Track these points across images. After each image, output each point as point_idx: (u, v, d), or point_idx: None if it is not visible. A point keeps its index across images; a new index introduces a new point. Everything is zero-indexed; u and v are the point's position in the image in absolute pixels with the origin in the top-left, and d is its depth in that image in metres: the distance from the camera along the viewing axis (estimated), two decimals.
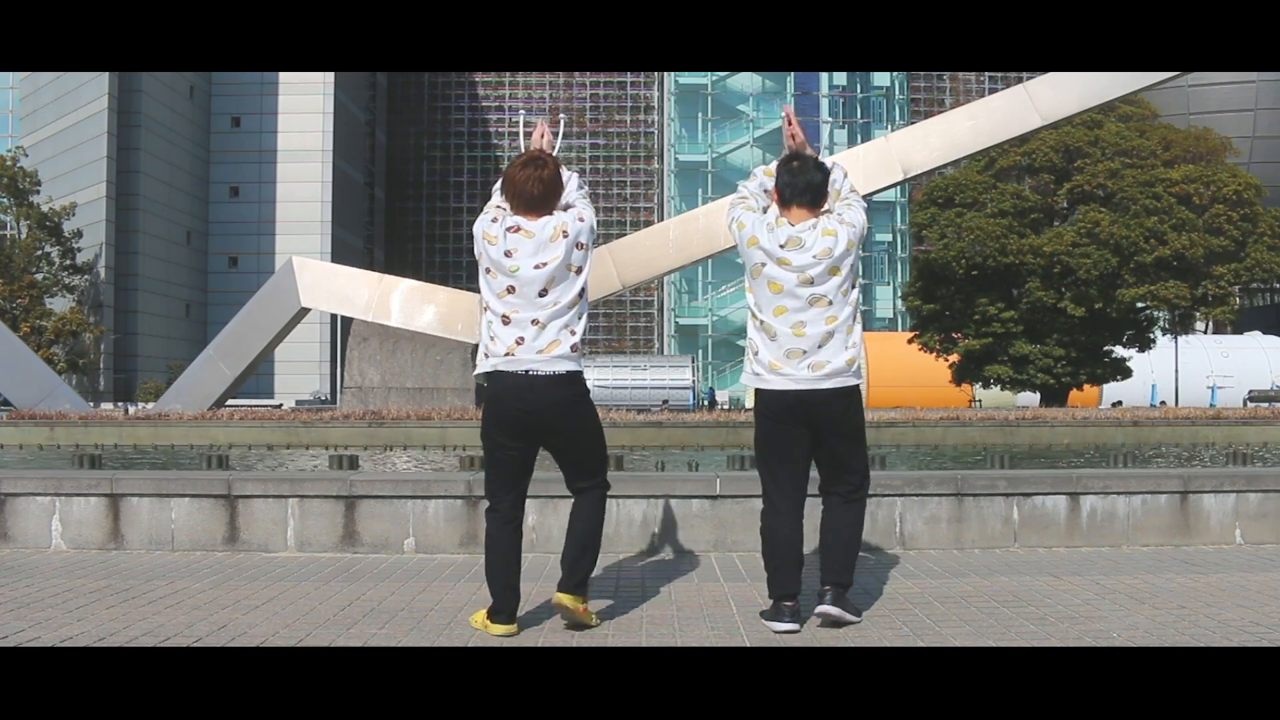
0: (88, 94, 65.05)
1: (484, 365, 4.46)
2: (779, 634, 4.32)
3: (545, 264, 4.38)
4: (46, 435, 19.08)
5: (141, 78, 65.33)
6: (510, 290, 4.39)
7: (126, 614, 4.62)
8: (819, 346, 4.49)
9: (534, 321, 4.38)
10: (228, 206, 75.21)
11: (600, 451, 4.59)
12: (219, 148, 75.22)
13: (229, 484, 6.30)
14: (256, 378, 45.40)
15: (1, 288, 53.63)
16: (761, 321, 4.57)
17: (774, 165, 4.79)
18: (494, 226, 4.47)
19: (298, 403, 49.81)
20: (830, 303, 4.50)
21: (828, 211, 4.62)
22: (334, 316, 52.50)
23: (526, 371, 4.37)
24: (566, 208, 4.54)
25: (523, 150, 4.71)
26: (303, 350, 64.43)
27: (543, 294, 4.38)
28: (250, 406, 31.70)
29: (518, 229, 4.43)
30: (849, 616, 4.44)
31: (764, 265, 4.54)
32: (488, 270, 4.46)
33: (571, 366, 4.43)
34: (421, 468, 12.98)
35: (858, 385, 4.60)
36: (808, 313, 4.49)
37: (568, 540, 4.49)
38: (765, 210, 4.67)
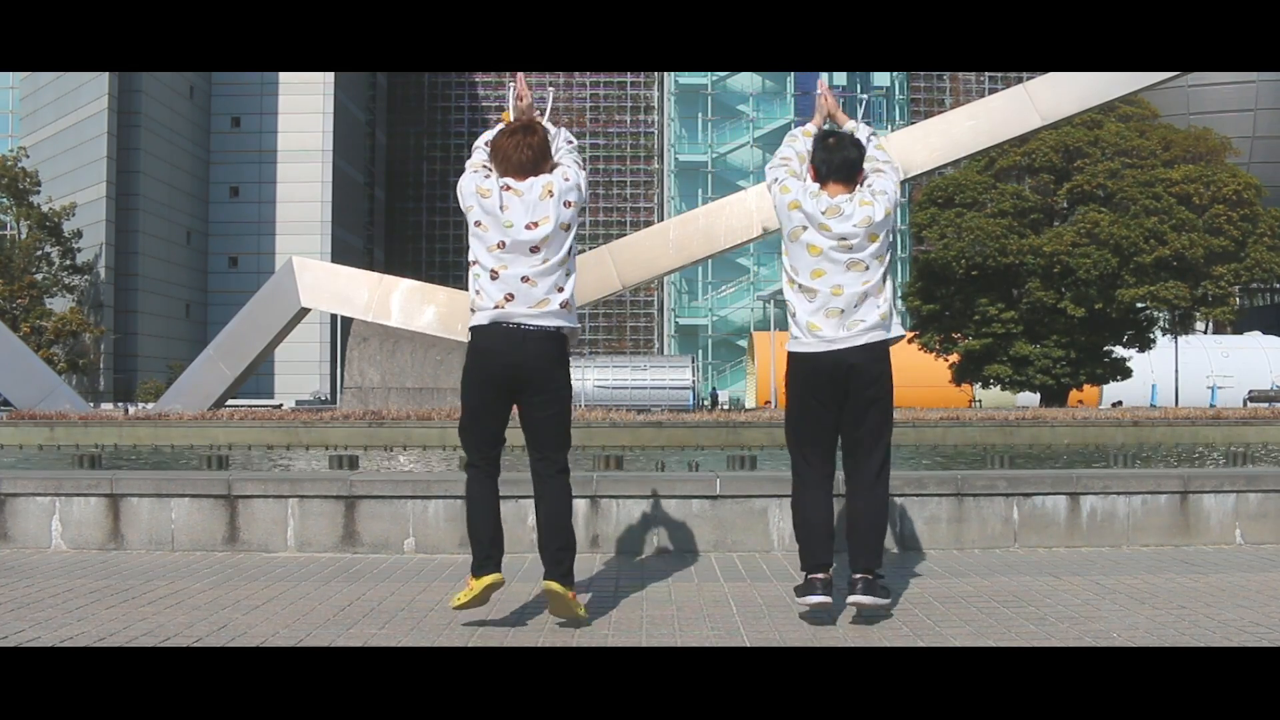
0: (88, 94, 65.06)
1: (474, 319, 4.50)
2: (811, 606, 4.39)
3: (536, 223, 4.43)
4: (46, 435, 19.09)
5: (141, 78, 65.34)
6: (501, 245, 4.44)
7: (126, 614, 4.62)
8: (855, 306, 4.58)
9: (524, 279, 4.43)
10: (228, 206, 75.22)
11: (568, 423, 4.62)
12: (219, 148, 75.23)
13: (229, 484, 6.29)
14: (256, 378, 45.38)
15: (1, 288, 53.64)
16: (800, 285, 4.65)
17: (811, 126, 4.93)
18: (487, 181, 4.52)
19: (298, 403, 49.82)
20: (866, 267, 4.60)
21: (861, 187, 4.71)
22: (334, 316, 52.51)
23: (519, 325, 4.41)
24: (553, 167, 4.58)
25: (509, 110, 4.77)
26: (303, 350, 64.42)
27: (534, 250, 4.43)
28: (250, 406, 31.72)
29: (507, 188, 4.48)
30: (881, 602, 4.50)
31: (804, 229, 4.63)
32: (478, 224, 4.49)
33: (562, 323, 4.48)
34: (421, 468, 12.98)
35: (889, 342, 4.65)
36: (845, 275, 4.59)
37: (543, 532, 4.50)
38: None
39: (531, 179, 4.50)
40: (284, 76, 72.66)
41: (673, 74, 74.48)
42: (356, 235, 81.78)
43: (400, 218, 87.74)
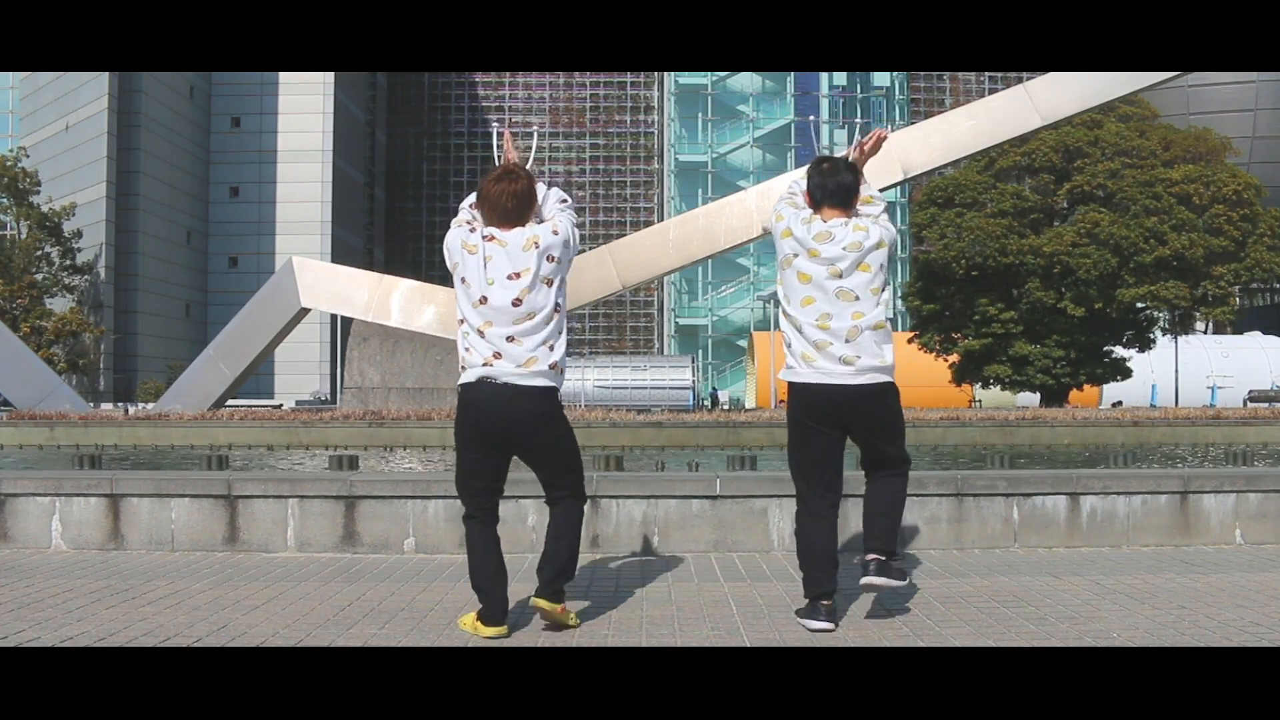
0: (88, 94, 65.03)
1: (463, 376, 4.47)
2: (814, 632, 4.34)
3: (518, 274, 4.39)
4: (46, 435, 19.10)
5: (141, 78, 65.32)
6: (484, 301, 4.40)
7: (126, 614, 4.62)
8: (846, 341, 4.51)
9: (509, 338, 4.38)
10: (228, 206, 75.20)
11: (574, 465, 4.58)
12: (219, 148, 75.21)
13: (229, 484, 6.29)
14: (256, 378, 45.41)
15: (1, 288, 53.63)
16: (789, 314, 4.64)
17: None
18: (473, 236, 4.49)
19: (298, 403, 49.83)
20: (857, 298, 4.53)
21: (858, 214, 4.69)
22: (334, 316, 52.53)
23: (505, 383, 4.37)
24: (541, 221, 4.55)
25: (498, 163, 4.75)
26: (303, 350, 64.40)
27: (516, 304, 4.38)
28: (250, 406, 31.72)
29: (492, 238, 4.45)
30: (895, 584, 4.52)
31: (795, 256, 4.61)
32: (463, 280, 4.46)
33: (549, 383, 4.43)
34: (422, 468, 12.99)
35: (892, 382, 4.62)
36: (834, 305, 4.53)
37: (546, 555, 4.47)
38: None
39: (517, 229, 4.46)
40: (284, 76, 72.63)
41: (673, 74, 74.48)
42: (356, 235, 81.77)
43: (400, 218, 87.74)
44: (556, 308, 4.47)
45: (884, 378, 4.56)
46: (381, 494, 6.27)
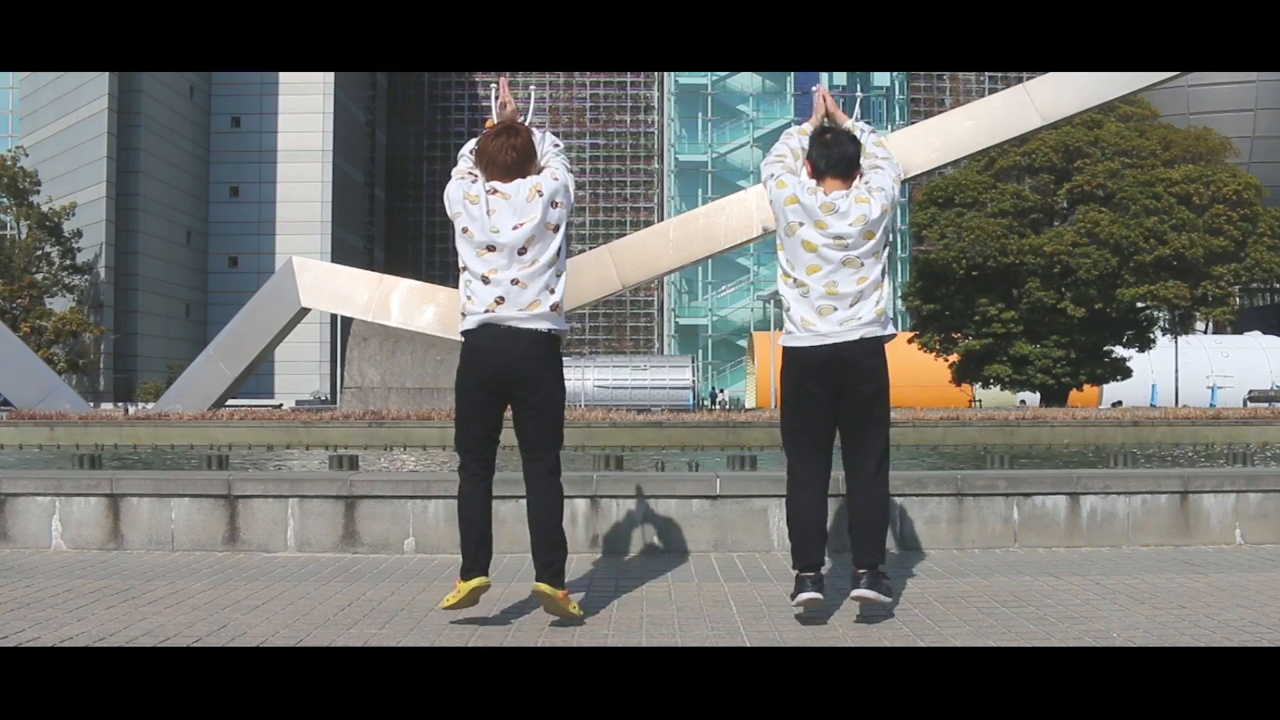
0: (88, 94, 65.07)
1: (465, 323, 4.52)
2: (804, 604, 4.38)
3: (523, 224, 4.44)
4: (46, 435, 19.08)
5: (141, 78, 65.35)
6: (490, 249, 4.45)
7: (126, 614, 4.62)
8: (851, 304, 4.57)
9: (514, 281, 4.44)
10: (228, 206, 75.22)
11: (559, 422, 4.60)
12: (219, 148, 75.24)
13: (229, 484, 6.29)
14: (256, 378, 45.36)
15: (1, 288, 53.64)
16: (794, 279, 4.65)
17: (808, 125, 4.90)
18: (474, 187, 4.53)
19: (298, 403, 49.82)
20: (862, 264, 4.58)
21: (858, 181, 4.71)
22: (334, 316, 52.49)
23: (510, 327, 4.43)
24: (540, 168, 4.59)
25: (494, 115, 4.78)
26: (303, 350, 64.45)
27: (522, 252, 4.44)
28: (250, 406, 31.71)
29: (494, 191, 4.50)
30: (884, 599, 4.51)
31: (800, 225, 4.62)
32: (464, 230, 4.51)
33: (552, 325, 4.49)
34: (422, 468, 12.98)
35: (883, 339, 4.64)
36: (840, 272, 4.58)
37: (534, 533, 4.51)
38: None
39: (518, 181, 4.51)
40: (284, 76, 72.67)
41: (673, 74, 74.48)
42: (356, 235, 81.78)
43: (400, 218, 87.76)
44: (558, 252, 4.52)
45: (877, 330, 4.60)
46: (381, 494, 6.27)
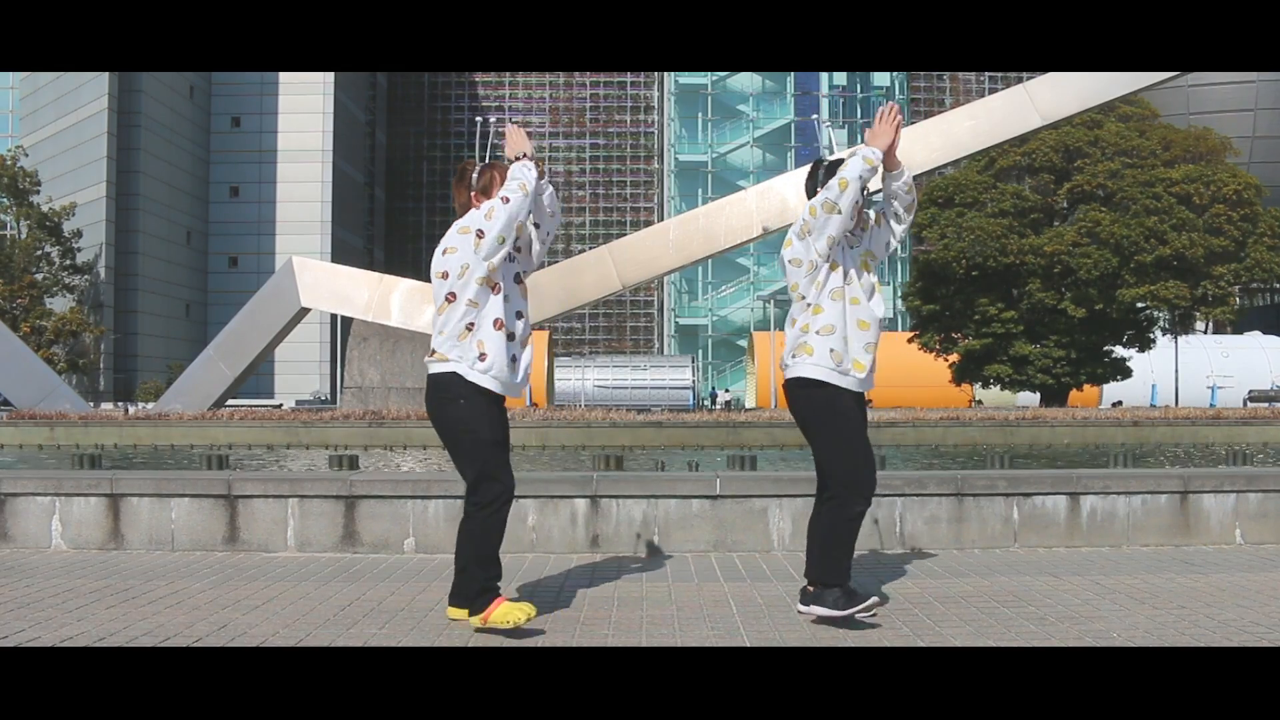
0: (88, 94, 65.05)
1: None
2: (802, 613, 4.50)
3: (445, 250, 4.47)
4: (46, 435, 19.10)
5: (141, 78, 65.34)
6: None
7: (126, 614, 4.62)
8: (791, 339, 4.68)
9: (436, 317, 4.51)
10: (228, 206, 75.21)
11: (468, 462, 4.43)
12: (219, 148, 75.22)
13: (229, 484, 6.29)
14: (256, 378, 45.41)
15: (1, 288, 53.64)
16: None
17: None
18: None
19: (298, 403, 49.85)
20: (803, 296, 4.62)
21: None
22: (334, 316, 52.53)
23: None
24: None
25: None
26: (303, 350, 64.45)
27: (443, 277, 4.42)
28: (250, 406, 31.73)
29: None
30: (821, 611, 4.43)
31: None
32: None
33: (439, 369, 4.43)
34: (422, 468, 12.99)
35: (801, 379, 4.56)
36: (795, 305, 4.69)
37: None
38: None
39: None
40: (284, 76, 72.65)
41: (673, 74, 74.45)
42: (356, 235, 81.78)
43: (400, 218, 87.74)
44: (480, 299, 4.38)
45: (788, 371, 4.64)
46: (381, 494, 6.27)
